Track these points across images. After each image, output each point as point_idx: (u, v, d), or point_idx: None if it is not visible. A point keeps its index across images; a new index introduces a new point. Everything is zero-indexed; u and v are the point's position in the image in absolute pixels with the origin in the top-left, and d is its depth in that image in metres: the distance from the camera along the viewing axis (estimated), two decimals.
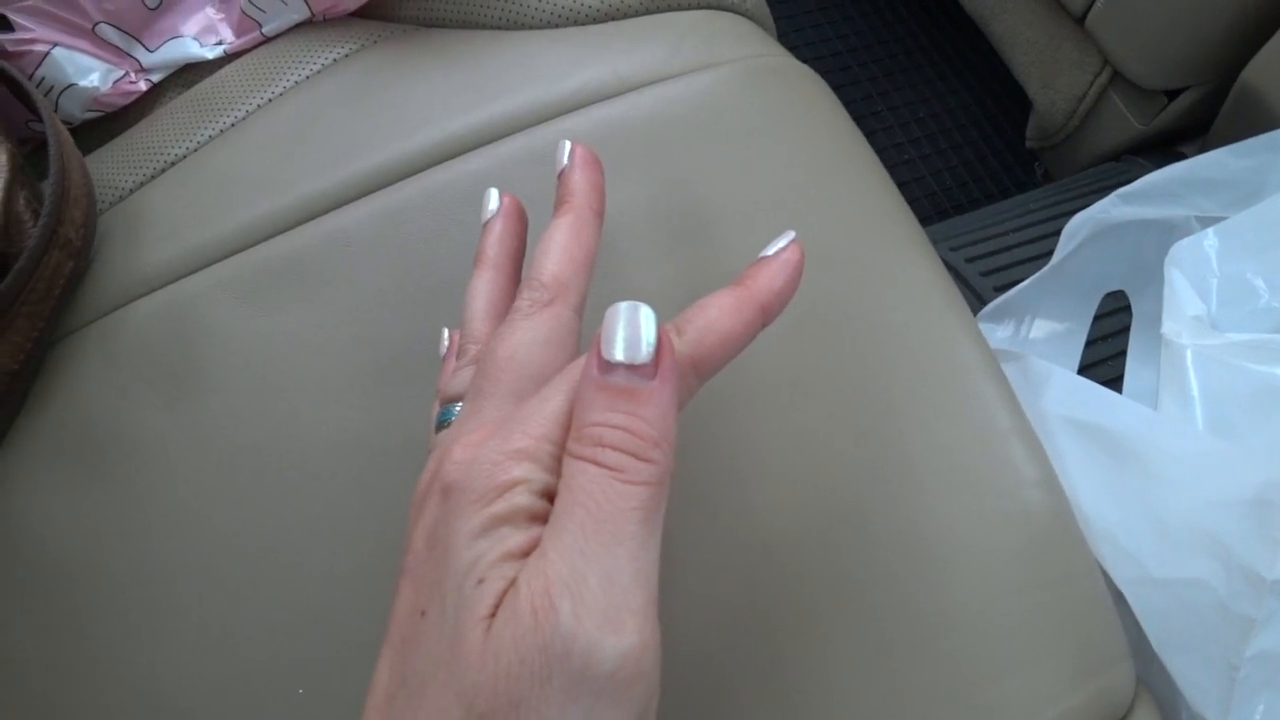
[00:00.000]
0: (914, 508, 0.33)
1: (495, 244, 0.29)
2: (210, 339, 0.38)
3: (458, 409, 0.26)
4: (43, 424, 0.38)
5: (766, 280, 0.24)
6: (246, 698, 0.33)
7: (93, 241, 0.41)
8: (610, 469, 0.19)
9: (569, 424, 0.20)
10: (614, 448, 0.19)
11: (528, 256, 0.29)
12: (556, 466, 0.20)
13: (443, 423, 0.26)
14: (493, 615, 0.18)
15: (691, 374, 0.22)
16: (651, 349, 0.20)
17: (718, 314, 0.23)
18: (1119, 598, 0.35)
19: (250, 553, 0.35)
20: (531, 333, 0.23)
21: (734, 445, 0.34)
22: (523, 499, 0.19)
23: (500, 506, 0.19)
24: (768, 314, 0.24)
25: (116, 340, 0.39)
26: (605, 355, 0.20)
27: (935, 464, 0.34)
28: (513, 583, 0.18)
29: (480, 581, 0.18)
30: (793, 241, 0.25)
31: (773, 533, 0.33)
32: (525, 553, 0.19)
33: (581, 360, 0.22)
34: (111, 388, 0.38)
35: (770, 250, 0.25)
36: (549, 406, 0.21)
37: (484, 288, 0.28)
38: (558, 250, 0.25)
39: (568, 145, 0.28)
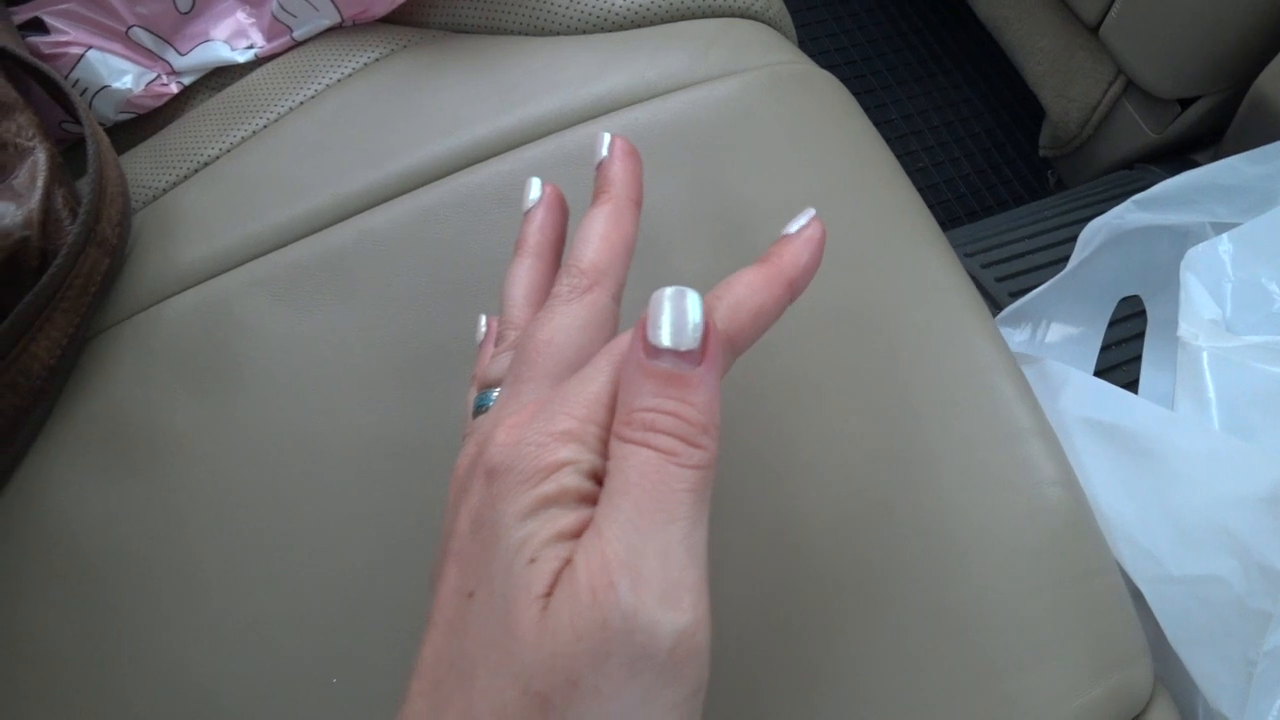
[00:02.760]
0: (936, 504, 0.33)
1: (536, 232, 0.29)
2: (243, 336, 0.38)
3: (495, 395, 0.26)
4: (77, 418, 0.39)
5: (792, 256, 0.24)
6: (281, 687, 0.33)
7: (128, 239, 0.42)
8: (664, 452, 0.19)
9: (612, 405, 0.20)
10: (666, 433, 0.19)
11: (566, 248, 0.29)
12: (602, 448, 0.20)
13: (479, 408, 0.26)
14: (547, 594, 0.18)
15: (727, 349, 0.22)
16: (699, 335, 0.20)
17: (747, 290, 0.23)
18: (1137, 595, 0.35)
19: (282, 546, 0.35)
20: (570, 318, 0.23)
21: (757, 440, 0.34)
22: (571, 480, 0.19)
23: (548, 487, 0.19)
24: (794, 289, 0.24)
25: (151, 337, 0.39)
26: (651, 340, 0.20)
27: (957, 461, 0.34)
28: (567, 562, 0.18)
29: (532, 561, 0.18)
30: (814, 219, 0.25)
31: (796, 525, 0.33)
32: (576, 533, 0.19)
33: (620, 340, 0.21)
34: (145, 383, 0.38)
35: (793, 228, 0.25)
36: (592, 388, 0.21)
37: (524, 274, 0.28)
38: (596, 238, 0.25)
39: (607, 137, 0.28)
